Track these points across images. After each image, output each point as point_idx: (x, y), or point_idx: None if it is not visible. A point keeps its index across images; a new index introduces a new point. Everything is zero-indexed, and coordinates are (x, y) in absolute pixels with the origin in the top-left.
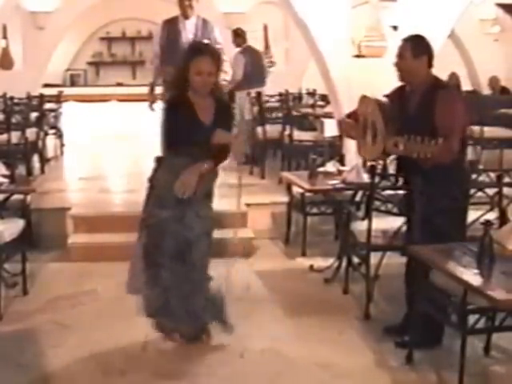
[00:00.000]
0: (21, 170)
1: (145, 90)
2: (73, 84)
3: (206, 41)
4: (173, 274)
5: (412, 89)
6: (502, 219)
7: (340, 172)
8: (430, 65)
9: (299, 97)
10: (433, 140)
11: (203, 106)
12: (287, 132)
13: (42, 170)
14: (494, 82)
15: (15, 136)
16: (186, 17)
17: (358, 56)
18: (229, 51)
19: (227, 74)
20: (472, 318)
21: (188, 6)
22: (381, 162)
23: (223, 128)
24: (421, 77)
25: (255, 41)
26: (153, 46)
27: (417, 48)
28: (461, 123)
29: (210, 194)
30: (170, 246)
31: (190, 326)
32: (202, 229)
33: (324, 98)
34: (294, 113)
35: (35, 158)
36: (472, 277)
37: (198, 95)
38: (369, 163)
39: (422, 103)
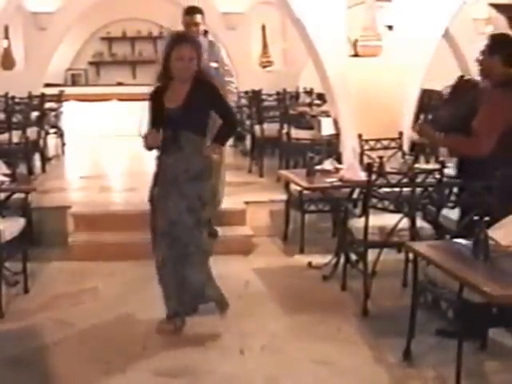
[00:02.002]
0: (22, 168)
1: (145, 89)
2: (74, 83)
3: (213, 64)
4: (166, 249)
5: (489, 85)
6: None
7: (337, 170)
8: (508, 64)
9: (296, 96)
10: (442, 133)
11: (178, 91)
12: (285, 130)
13: (43, 169)
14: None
15: (16, 135)
16: None
17: (354, 55)
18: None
19: (233, 95)
20: None
21: (195, 31)
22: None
23: (200, 105)
24: (494, 75)
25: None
26: (158, 64)
27: (492, 46)
28: (493, 125)
29: (201, 176)
30: (161, 224)
31: (185, 301)
32: (186, 207)
33: (321, 96)
34: (292, 111)
35: (36, 157)
36: (467, 273)
37: (179, 82)
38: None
39: (482, 101)
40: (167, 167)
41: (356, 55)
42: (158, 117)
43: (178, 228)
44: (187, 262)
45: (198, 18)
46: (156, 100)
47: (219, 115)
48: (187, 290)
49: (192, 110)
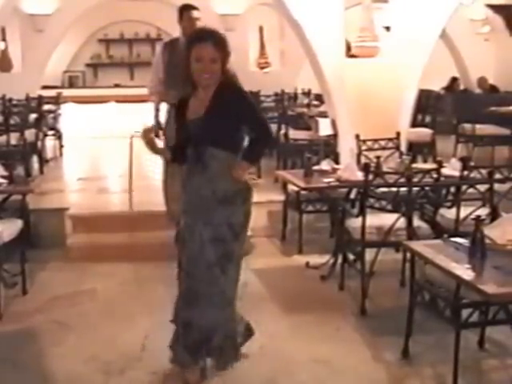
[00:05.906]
0: (19, 170)
1: (143, 90)
2: (71, 85)
3: None
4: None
5: None
6: (494, 215)
7: (334, 170)
8: None
9: (294, 97)
10: None
11: (201, 100)
12: (283, 131)
13: (41, 171)
14: (482, 82)
15: (14, 137)
16: None
17: (351, 56)
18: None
19: None
20: (465, 312)
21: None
22: None
23: (225, 113)
24: None
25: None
26: (154, 71)
27: None
28: None
29: (233, 199)
30: (184, 257)
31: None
32: (210, 237)
33: (318, 97)
34: (290, 112)
35: (34, 159)
36: (464, 271)
37: (203, 88)
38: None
39: None
40: (192, 191)
41: (352, 56)
42: (181, 132)
43: (197, 262)
44: (196, 303)
45: (197, 13)
46: (179, 112)
47: (249, 127)
48: (193, 335)
49: (215, 121)
